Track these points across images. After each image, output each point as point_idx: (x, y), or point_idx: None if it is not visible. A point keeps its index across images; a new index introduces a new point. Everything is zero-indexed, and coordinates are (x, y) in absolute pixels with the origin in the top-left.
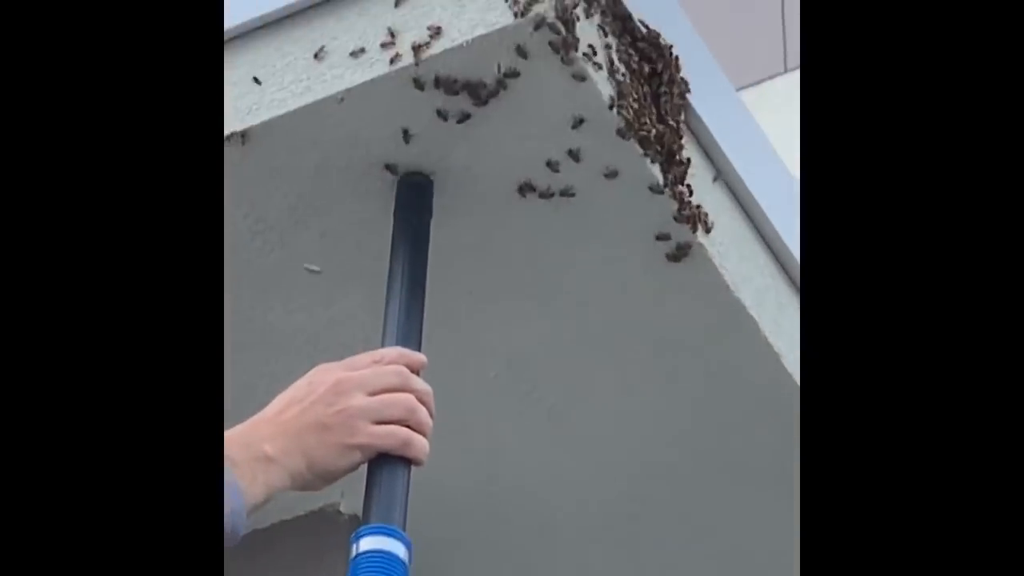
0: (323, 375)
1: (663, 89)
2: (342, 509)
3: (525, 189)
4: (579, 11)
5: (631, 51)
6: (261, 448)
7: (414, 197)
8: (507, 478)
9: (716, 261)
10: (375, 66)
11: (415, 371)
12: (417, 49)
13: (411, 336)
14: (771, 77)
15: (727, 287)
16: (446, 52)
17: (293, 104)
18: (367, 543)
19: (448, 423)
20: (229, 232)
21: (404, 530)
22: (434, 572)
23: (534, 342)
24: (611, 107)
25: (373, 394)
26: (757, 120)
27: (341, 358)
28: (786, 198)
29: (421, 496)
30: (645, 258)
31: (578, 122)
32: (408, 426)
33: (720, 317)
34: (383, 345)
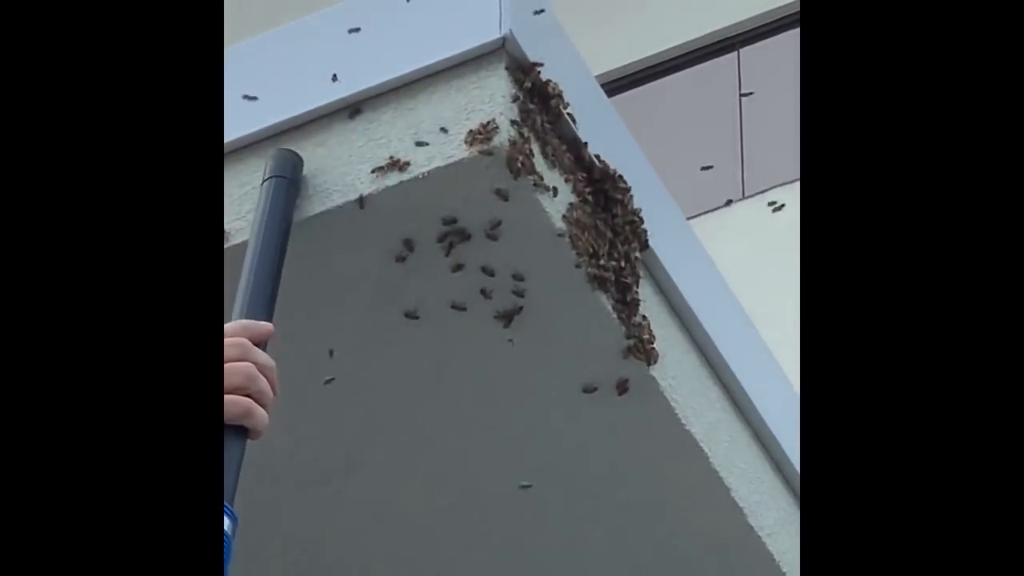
0: None
1: (617, 222)
2: None
3: (459, 308)
4: (532, 146)
5: (584, 184)
6: None
7: (282, 172)
8: None
9: (667, 394)
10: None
11: (261, 342)
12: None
13: (259, 308)
14: (729, 204)
15: (678, 420)
16: (403, 184)
17: None
18: None
19: (402, 550)
20: None
21: (232, 502)
22: None
23: (484, 471)
24: (564, 237)
25: None
26: (713, 247)
27: None
28: (738, 333)
29: None
30: (596, 386)
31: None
32: (248, 395)
33: (670, 450)
34: (232, 318)
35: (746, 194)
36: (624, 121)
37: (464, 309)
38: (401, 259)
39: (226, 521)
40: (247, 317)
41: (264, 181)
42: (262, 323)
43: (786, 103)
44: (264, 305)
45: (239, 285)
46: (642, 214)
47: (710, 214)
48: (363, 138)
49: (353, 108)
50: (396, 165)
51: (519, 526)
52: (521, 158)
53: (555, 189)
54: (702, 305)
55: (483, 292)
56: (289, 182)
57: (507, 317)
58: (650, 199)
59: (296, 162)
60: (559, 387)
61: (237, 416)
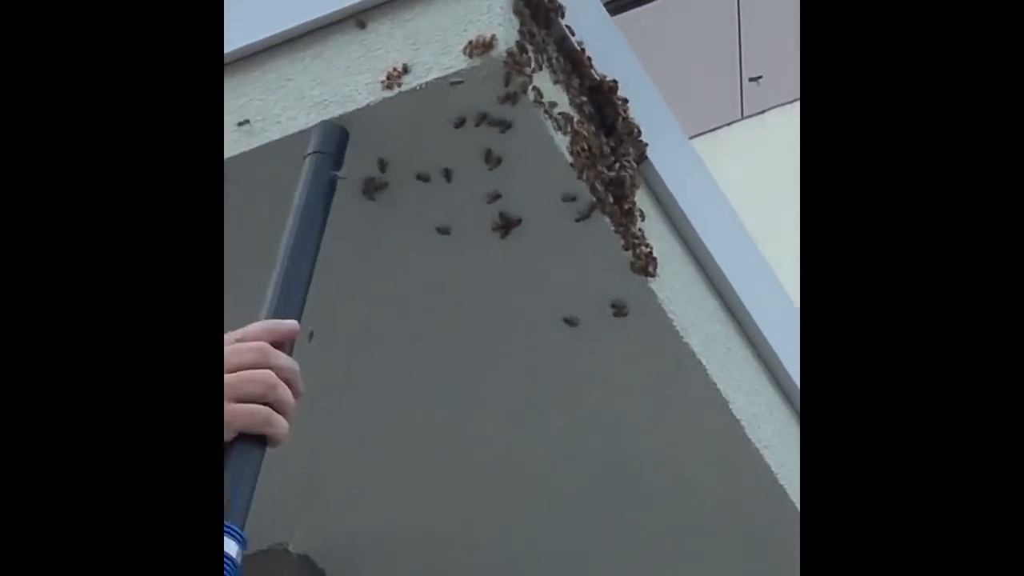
0: None
1: (616, 135)
2: (290, 548)
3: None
4: (531, 55)
5: (583, 96)
6: None
7: (325, 148)
8: (453, 520)
9: (665, 307)
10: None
11: (284, 342)
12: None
13: (289, 308)
14: (728, 124)
15: (676, 332)
16: (401, 95)
17: None
18: None
19: (396, 463)
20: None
21: (244, 523)
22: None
23: (485, 383)
24: (562, 147)
25: (231, 371)
26: (714, 167)
27: None
28: (737, 246)
29: (365, 535)
30: (596, 303)
31: (529, 165)
32: (268, 404)
33: (669, 362)
34: (261, 317)
35: (745, 115)
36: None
37: (448, 233)
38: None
39: (234, 546)
40: (275, 314)
41: (307, 156)
42: (285, 323)
43: (786, 24)
44: (295, 301)
45: (270, 282)
46: (641, 127)
47: (709, 134)
48: (360, 49)
49: (356, 20)
50: (394, 76)
51: (517, 439)
52: (520, 68)
53: (552, 102)
54: (701, 218)
55: (489, 197)
56: (332, 160)
57: (505, 228)
58: (649, 113)
59: (341, 138)
60: (555, 300)
61: (255, 425)
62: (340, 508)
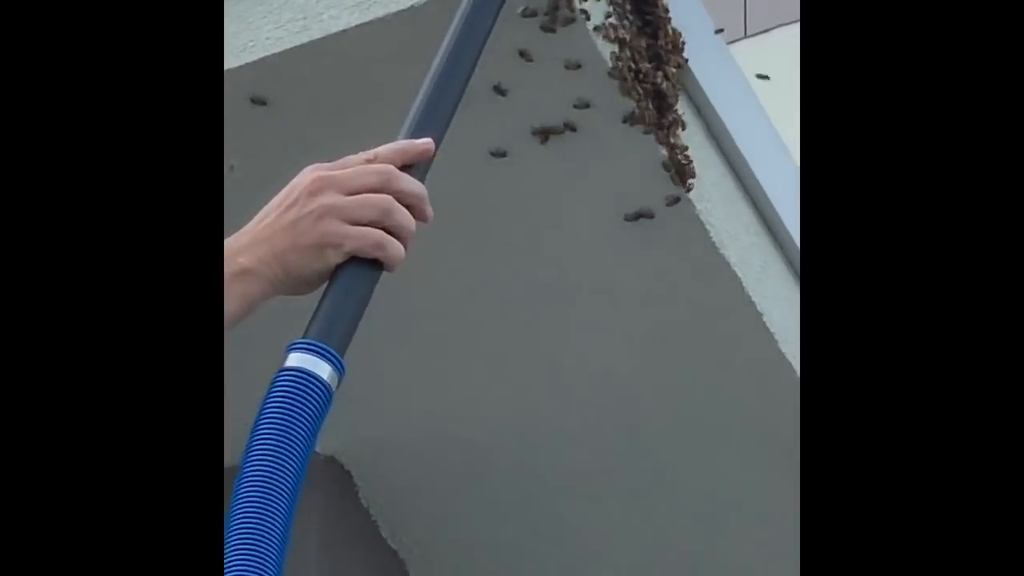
0: (304, 177)
1: (659, 43)
2: (318, 450)
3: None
4: None
5: (627, 5)
6: (236, 262)
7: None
8: (485, 424)
9: (702, 217)
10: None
11: (416, 163)
12: None
13: (430, 128)
14: (732, 43)
15: (712, 244)
16: None
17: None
18: (292, 359)
19: (427, 369)
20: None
21: (343, 350)
22: (411, 521)
23: (519, 289)
24: (609, 59)
25: (350, 194)
26: None
27: None
28: (773, 156)
29: (394, 439)
30: (632, 211)
31: (575, 66)
32: (385, 229)
33: (704, 273)
34: (399, 137)
35: (748, 33)
36: None
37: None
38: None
39: (326, 368)
40: (413, 134)
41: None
42: (419, 142)
43: None
44: (438, 120)
45: (419, 92)
46: (684, 40)
47: None
48: None
49: None
50: None
51: (550, 347)
52: None
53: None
54: (739, 128)
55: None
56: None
57: (545, 134)
58: (690, 20)
59: None
60: (595, 207)
61: (366, 249)
62: (369, 413)
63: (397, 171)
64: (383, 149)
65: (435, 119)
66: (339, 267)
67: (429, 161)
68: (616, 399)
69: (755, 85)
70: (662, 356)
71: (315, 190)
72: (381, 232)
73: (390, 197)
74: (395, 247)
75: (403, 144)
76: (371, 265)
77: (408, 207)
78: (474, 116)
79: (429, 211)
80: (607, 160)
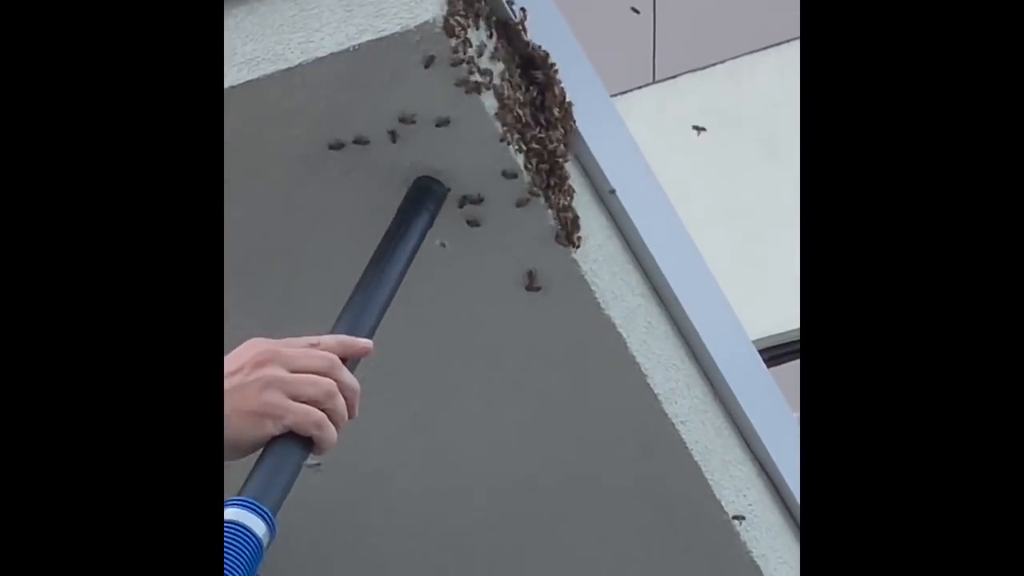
0: (249, 348)
1: (546, 104)
2: None
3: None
4: (465, 19)
5: (515, 64)
6: None
7: (424, 200)
8: (366, 481)
9: (588, 279)
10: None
11: (354, 359)
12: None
13: (362, 326)
14: (639, 87)
15: (597, 304)
16: (332, 56)
17: None
18: (229, 513)
19: None
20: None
21: (275, 513)
22: (287, 570)
23: (400, 347)
24: (495, 118)
25: (294, 372)
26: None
27: None
28: (661, 216)
29: None
30: (517, 272)
31: (443, 122)
32: (324, 411)
33: (589, 334)
34: (333, 331)
35: (656, 79)
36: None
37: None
38: (338, 146)
39: (262, 527)
40: (349, 331)
41: (405, 203)
42: (360, 340)
43: None
44: (368, 325)
45: (350, 297)
46: (569, 95)
47: (620, 96)
48: (295, 7)
49: None
50: (327, 37)
51: (436, 400)
52: (456, 30)
53: (490, 71)
54: (626, 187)
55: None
56: (430, 216)
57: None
58: (577, 81)
59: (442, 195)
60: (479, 271)
61: (306, 425)
62: None
63: (339, 361)
64: (327, 338)
65: (368, 322)
66: (275, 439)
67: (359, 361)
68: (497, 455)
69: (656, 134)
70: (546, 418)
71: (261, 361)
72: (322, 414)
73: (334, 382)
74: (331, 430)
75: (347, 339)
76: (303, 443)
77: (344, 399)
78: (362, 178)
79: (357, 410)
80: (493, 221)
